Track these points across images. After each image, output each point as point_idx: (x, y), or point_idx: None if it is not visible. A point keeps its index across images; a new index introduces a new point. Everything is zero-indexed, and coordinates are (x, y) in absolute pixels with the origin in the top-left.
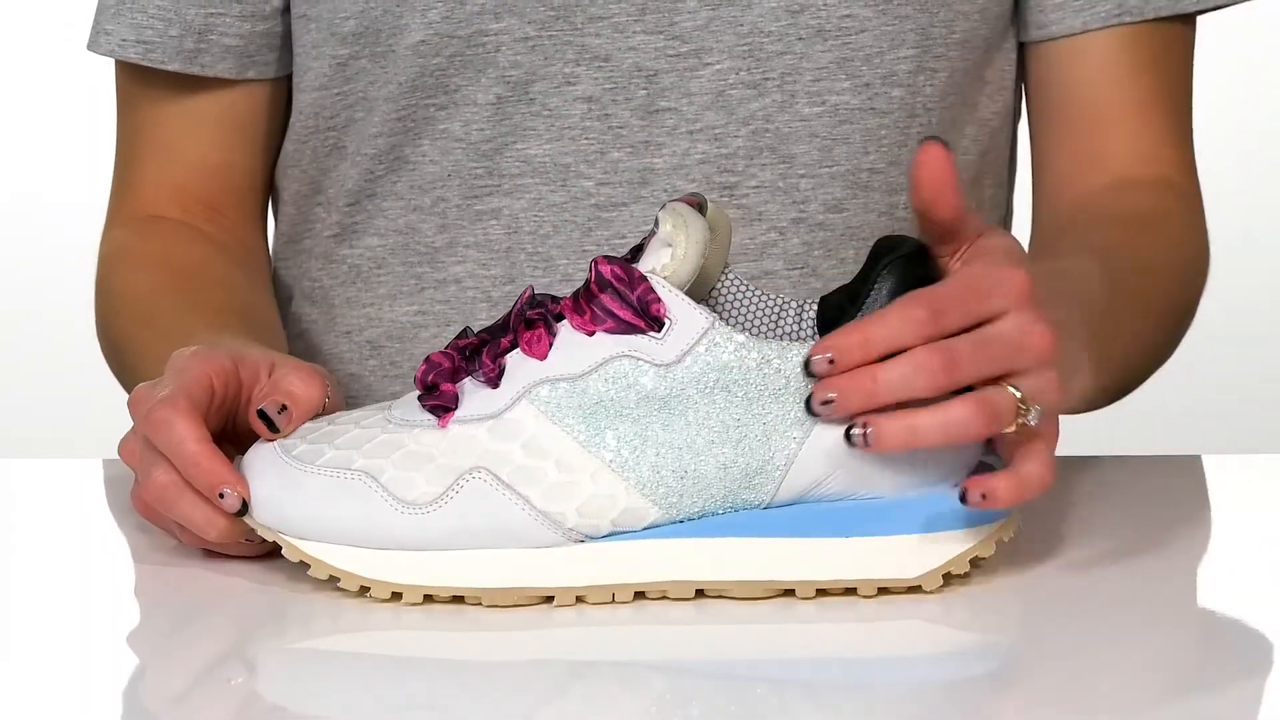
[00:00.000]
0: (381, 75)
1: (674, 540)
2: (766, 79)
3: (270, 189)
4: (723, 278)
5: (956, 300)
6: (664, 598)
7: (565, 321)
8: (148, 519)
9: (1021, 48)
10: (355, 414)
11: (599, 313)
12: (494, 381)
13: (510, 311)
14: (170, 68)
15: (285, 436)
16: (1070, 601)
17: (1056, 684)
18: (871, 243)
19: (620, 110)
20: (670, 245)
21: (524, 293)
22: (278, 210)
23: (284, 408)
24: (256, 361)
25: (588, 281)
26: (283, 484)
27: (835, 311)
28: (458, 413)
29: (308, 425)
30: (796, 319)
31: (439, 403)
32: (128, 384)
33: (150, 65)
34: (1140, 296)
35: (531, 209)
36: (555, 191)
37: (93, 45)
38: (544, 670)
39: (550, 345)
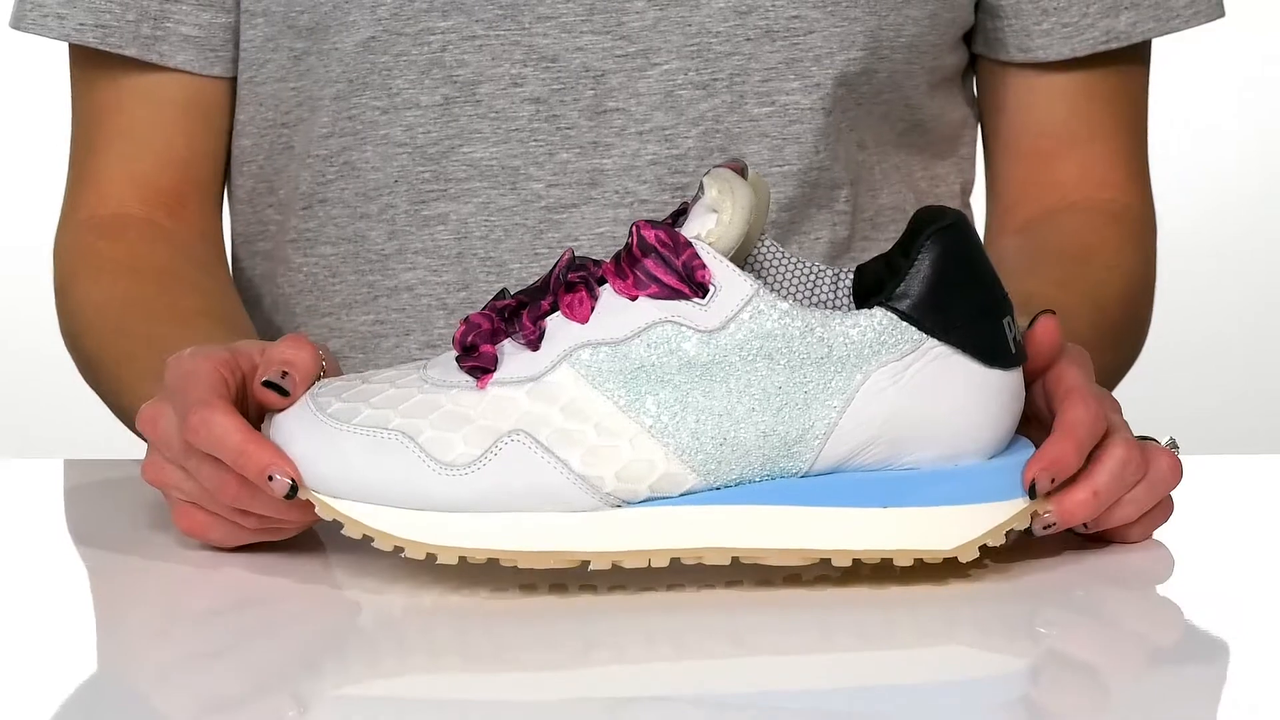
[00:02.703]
0: (325, 74)
1: (711, 507)
2: (715, 79)
3: (225, 182)
4: (760, 244)
5: (1098, 390)
6: (699, 564)
7: (607, 285)
8: (194, 536)
9: (975, 62)
10: (388, 373)
11: (642, 277)
12: (534, 344)
13: (550, 274)
14: (128, 52)
15: (296, 400)
16: (1068, 605)
17: (1046, 684)
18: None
19: (568, 111)
20: (715, 211)
21: (564, 255)
22: (231, 208)
23: (286, 373)
24: (249, 348)
25: (629, 245)
26: (317, 442)
27: (872, 279)
28: (496, 374)
29: (340, 384)
30: (832, 287)
31: (478, 364)
32: (107, 394)
33: (108, 50)
34: (1089, 341)
35: (480, 213)
36: (504, 195)
37: (39, 29)
38: (581, 709)
39: (592, 309)
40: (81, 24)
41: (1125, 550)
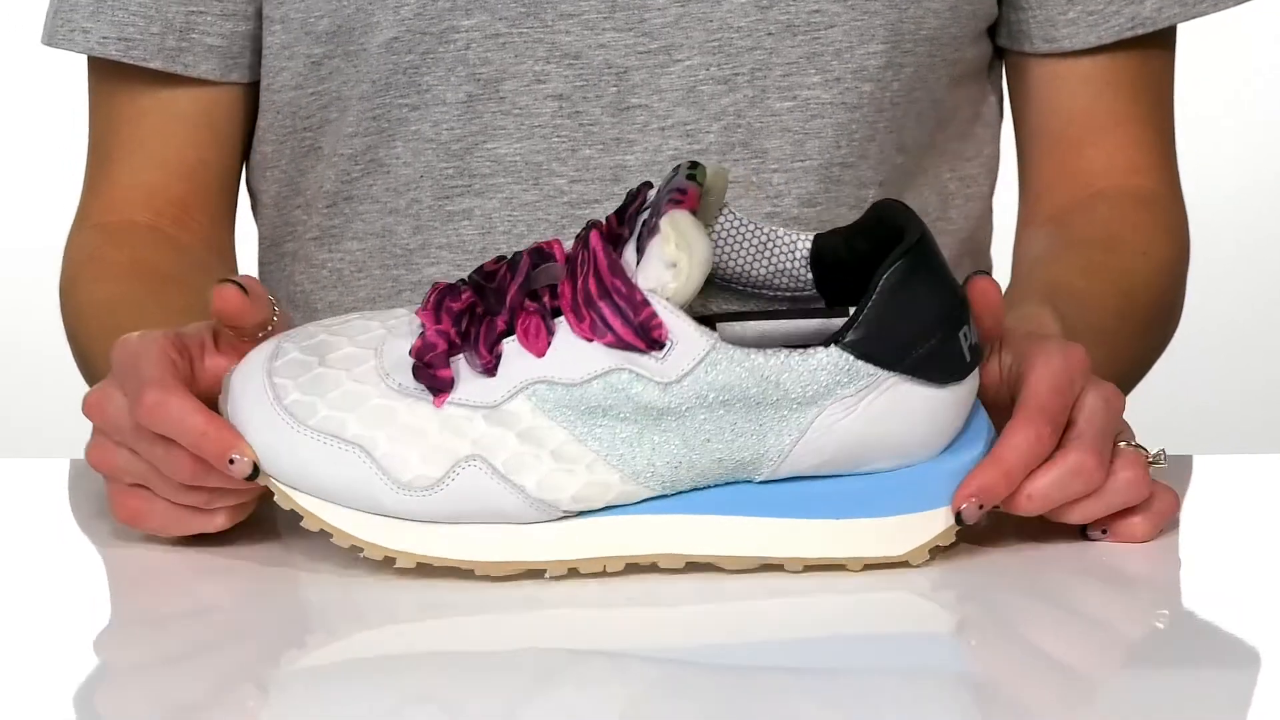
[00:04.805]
0: (354, 74)
1: (667, 516)
2: (737, 74)
3: (237, 191)
4: (720, 216)
5: (1062, 403)
6: (654, 567)
7: (563, 320)
8: (132, 525)
9: (1003, 55)
10: (347, 348)
11: (599, 323)
12: (490, 371)
13: (507, 288)
14: (152, 65)
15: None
16: (1061, 604)
17: (1046, 685)
18: None
19: (591, 107)
20: (674, 265)
21: (521, 265)
22: (258, 213)
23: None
24: (198, 329)
25: (581, 255)
26: (276, 438)
27: (830, 255)
28: (453, 395)
29: (298, 353)
30: (789, 252)
31: (434, 385)
32: None
33: (132, 63)
34: (1115, 329)
35: (504, 209)
36: (528, 190)
37: (66, 43)
38: (537, 657)
39: (549, 343)
40: (105, 37)
41: (1121, 550)
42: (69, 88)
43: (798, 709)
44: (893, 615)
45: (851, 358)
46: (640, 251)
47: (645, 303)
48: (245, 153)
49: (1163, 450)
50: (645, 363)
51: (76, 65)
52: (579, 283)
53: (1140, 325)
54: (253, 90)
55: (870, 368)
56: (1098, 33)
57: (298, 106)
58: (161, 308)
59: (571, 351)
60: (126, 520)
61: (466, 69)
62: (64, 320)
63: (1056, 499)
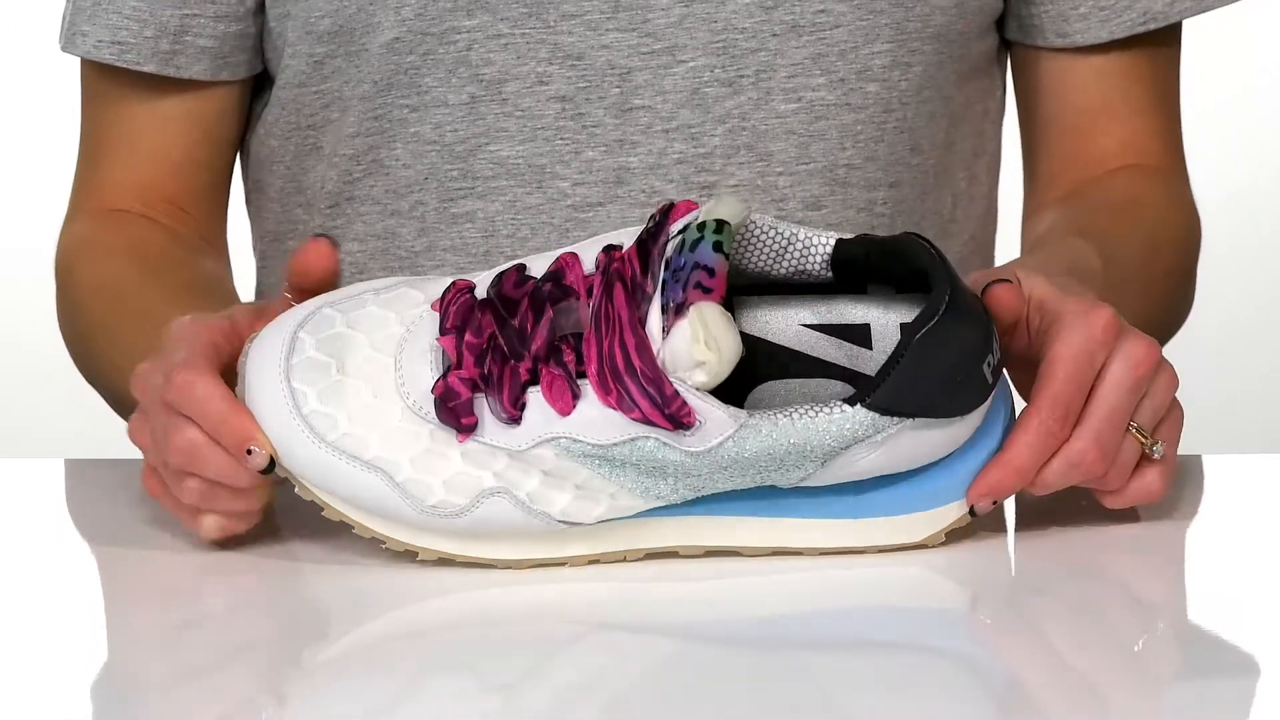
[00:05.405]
0: (355, 74)
1: (686, 518)
2: (741, 76)
3: (229, 188)
4: (745, 228)
5: (1078, 388)
6: (675, 555)
7: (589, 385)
8: (158, 498)
9: (1009, 48)
10: (366, 354)
11: (626, 399)
12: (515, 421)
13: (532, 333)
14: (146, 69)
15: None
16: (1067, 602)
17: (1052, 682)
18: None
19: (594, 109)
20: (703, 362)
21: (545, 311)
22: (262, 206)
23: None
24: (248, 312)
25: (613, 330)
26: (296, 443)
27: (846, 260)
28: (477, 433)
29: (314, 317)
30: (809, 253)
31: (458, 427)
32: (95, 374)
33: (126, 66)
34: (1137, 281)
35: (507, 211)
36: (531, 193)
37: (68, 46)
38: (556, 628)
39: (574, 406)
40: (100, 41)
41: (1124, 544)
42: (68, 88)
43: (814, 681)
44: (909, 590)
45: (876, 414)
46: (665, 313)
47: (676, 394)
48: (238, 150)
49: (1159, 443)
50: (672, 435)
51: (74, 66)
52: (604, 345)
53: (1163, 286)
54: (244, 88)
55: (895, 420)
56: (1110, 27)
57: (301, 104)
58: (162, 286)
59: (597, 414)
60: (151, 493)
61: (469, 70)
62: (61, 305)
63: (1057, 486)
